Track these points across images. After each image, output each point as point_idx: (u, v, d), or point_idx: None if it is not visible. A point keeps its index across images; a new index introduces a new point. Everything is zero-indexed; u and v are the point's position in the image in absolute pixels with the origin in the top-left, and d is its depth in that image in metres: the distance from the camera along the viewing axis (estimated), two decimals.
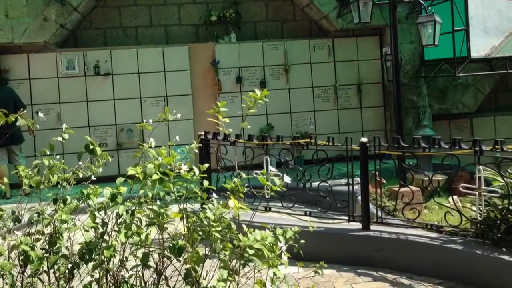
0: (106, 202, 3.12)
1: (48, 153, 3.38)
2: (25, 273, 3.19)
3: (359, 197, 6.12)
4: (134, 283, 3.20)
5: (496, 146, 5.05)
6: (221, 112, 3.67)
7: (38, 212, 3.24)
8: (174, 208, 3.19)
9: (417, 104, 11.25)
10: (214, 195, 3.23)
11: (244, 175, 3.39)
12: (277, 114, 11.58)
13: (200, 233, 3.05)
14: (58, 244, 3.17)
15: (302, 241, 3.35)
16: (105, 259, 3.05)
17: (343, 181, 7.03)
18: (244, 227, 3.07)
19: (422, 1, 9.10)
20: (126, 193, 3.18)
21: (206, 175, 3.31)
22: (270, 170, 3.38)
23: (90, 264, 3.07)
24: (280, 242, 3.04)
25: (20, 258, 3.17)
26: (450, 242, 5.24)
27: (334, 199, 6.03)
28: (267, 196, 4.85)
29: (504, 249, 4.89)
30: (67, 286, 3.20)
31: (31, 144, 10.26)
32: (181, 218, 3.15)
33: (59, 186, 3.35)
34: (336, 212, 6.19)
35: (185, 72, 11.38)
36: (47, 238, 3.23)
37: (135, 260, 3.13)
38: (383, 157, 6.12)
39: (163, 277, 3.22)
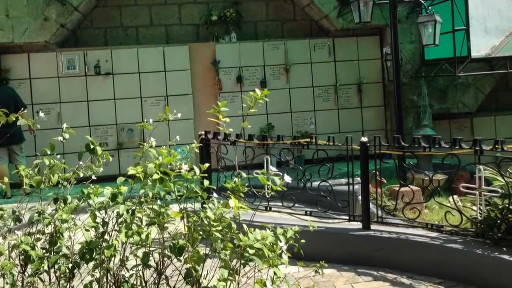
0: (106, 201, 3.12)
1: (48, 152, 3.38)
2: (25, 273, 3.20)
3: (360, 197, 6.12)
4: (135, 282, 3.21)
5: (497, 146, 5.05)
6: (221, 112, 3.67)
7: (38, 211, 3.24)
8: (174, 208, 3.19)
9: (418, 104, 11.25)
10: (215, 194, 3.23)
11: (244, 175, 3.40)
12: (277, 114, 11.58)
13: (201, 232, 3.05)
14: (58, 244, 3.17)
15: (303, 241, 3.35)
16: (105, 259, 3.05)
17: (344, 180, 7.03)
18: (245, 226, 3.07)
19: (422, 1, 9.11)
20: (126, 192, 3.19)
21: (206, 175, 3.32)
22: (271, 170, 3.38)
23: (91, 264, 3.08)
24: (281, 241, 3.04)
25: (21, 257, 3.18)
26: (450, 242, 5.24)
27: (335, 199, 6.03)
28: (267, 196, 4.84)
29: (504, 248, 4.89)
30: (68, 285, 3.20)
31: (31, 144, 10.26)
32: (182, 218, 3.15)
33: (60, 186, 3.35)
34: (336, 211, 6.19)
35: (186, 71, 11.38)
36: (47, 237, 3.23)
37: (136, 259, 3.14)
38: (383, 157, 6.12)
39: (163, 276, 3.22)
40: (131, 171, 3.09)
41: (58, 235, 3.17)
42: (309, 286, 4.77)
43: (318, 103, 11.87)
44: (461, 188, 5.54)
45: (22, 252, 3.12)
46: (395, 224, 5.93)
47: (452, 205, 5.72)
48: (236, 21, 11.91)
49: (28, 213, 3.33)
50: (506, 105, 12.89)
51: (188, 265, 3.05)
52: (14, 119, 3.44)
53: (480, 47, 10.56)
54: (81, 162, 3.39)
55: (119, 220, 3.11)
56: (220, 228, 3.00)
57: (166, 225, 3.15)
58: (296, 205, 6.31)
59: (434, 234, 5.48)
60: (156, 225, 3.10)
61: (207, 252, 3.14)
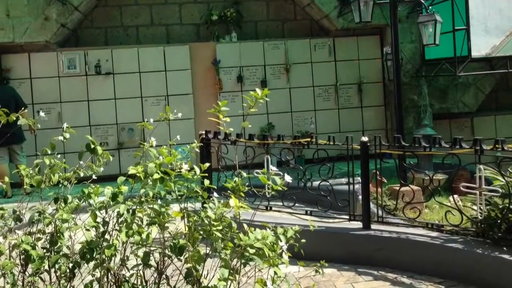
0: (107, 201, 3.13)
1: (49, 152, 3.39)
2: (26, 272, 3.20)
3: (360, 197, 6.12)
4: (135, 282, 3.21)
5: (497, 146, 5.05)
6: (222, 112, 3.67)
7: (39, 211, 3.24)
8: (175, 207, 3.20)
9: (418, 104, 11.25)
10: (215, 194, 3.24)
11: (245, 174, 3.41)
12: (278, 114, 11.58)
13: (201, 232, 3.06)
14: (59, 243, 3.18)
15: (303, 240, 3.35)
16: (106, 258, 3.06)
17: (344, 180, 7.02)
18: (245, 226, 3.07)
19: (422, 1, 9.11)
20: (127, 192, 3.19)
21: (207, 174, 3.32)
22: (271, 169, 3.38)
23: (91, 263, 3.08)
24: (281, 241, 3.04)
25: (21, 257, 3.18)
26: (450, 241, 5.24)
27: (335, 198, 6.03)
28: (268, 195, 4.83)
29: (504, 248, 4.89)
30: (68, 285, 3.20)
31: (32, 143, 10.26)
32: (182, 217, 3.16)
33: (60, 185, 3.36)
34: (336, 211, 6.19)
35: (186, 71, 11.38)
36: (48, 237, 3.23)
37: (136, 259, 3.14)
38: (383, 156, 6.11)
39: (164, 276, 3.23)
40: (131, 170, 3.09)
41: (58, 234, 3.17)
42: (309, 285, 4.77)
43: (319, 102, 11.87)
44: (462, 188, 5.54)
45: (23, 251, 3.12)
46: (396, 224, 5.93)
47: (453, 204, 5.72)
48: (237, 20, 11.91)
49: (28, 213, 3.33)
50: (506, 104, 12.89)
51: (189, 265, 3.05)
52: (14, 118, 3.44)
53: (480, 46, 10.57)
54: (81, 162, 3.39)
55: (120, 220, 3.11)
56: (220, 227, 3.00)
57: (166, 224, 3.15)
58: (297, 204, 6.31)
59: (434, 234, 5.48)
60: (156, 225, 3.11)
61: (208, 251, 3.14)
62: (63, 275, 3.17)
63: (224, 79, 11.45)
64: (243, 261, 2.97)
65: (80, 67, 10.98)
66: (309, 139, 6.26)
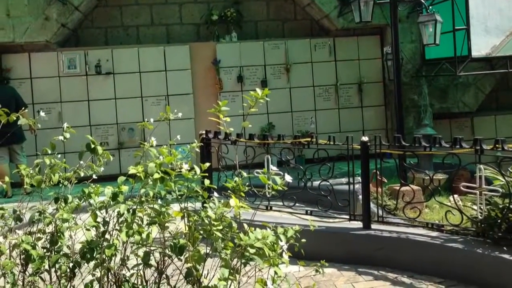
0: (107, 201, 3.13)
1: (49, 152, 3.39)
2: (26, 272, 3.20)
3: (360, 196, 6.12)
4: (136, 282, 3.21)
5: (497, 145, 5.05)
6: (222, 111, 3.68)
7: (39, 211, 3.25)
8: (175, 207, 3.20)
9: (418, 103, 11.25)
10: (215, 194, 3.24)
11: (245, 174, 3.41)
12: (278, 113, 11.58)
13: (201, 232, 3.06)
14: (59, 243, 3.18)
15: (303, 240, 3.35)
16: (106, 258, 3.06)
17: (344, 180, 7.02)
18: (245, 226, 3.08)
19: (423, 1, 9.11)
20: (127, 192, 3.19)
21: (207, 174, 3.32)
22: (271, 169, 3.39)
23: (92, 263, 3.08)
24: (281, 241, 3.04)
25: (22, 257, 3.18)
26: (451, 241, 5.24)
27: (335, 198, 6.03)
28: (268, 195, 4.84)
29: (505, 248, 4.89)
30: (69, 285, 3.21)
31: (32, 143, 10.26)
32: (182, 217, 3.16)
33: (61, 185, 3.36)
34: (337, 211, 6.19)
35: (186, 71, 11.39)
36: (48, 237, 3.23)
37: (136, 259, 3.14)
38: (384, 156, 6.11)
39: (164, 276, 3.23)
40: (132, 170, 3.09)
41: (59, 234, 3.18)
42: (309, 285, 4.77)
43: (319, 102, 11.87)
44: (462, 188, 5.54)
45: (23, 251, 3.12)
46: (396, 224, 5.93)
47: (453, 204, 5.72)
48: (237, 20, 11.91)
49: (29, 213, 3.34)
50: (506, 104, 12.89)
51: (189, 265, 3.05)
52: (15, 118, 3.44)
53: (480, 46, 10.57)
54: (81, 162, 3.40)
55: (120, 220, 3.11)
56: (220, 227, 3.00)
57: (167, 224, 3.15)
58: (297, 204, 6.31)
59: (434, 234, 5.48)
60: (157, 225, 3.11)
61: (208, 251, 3.14)
62: (63, 274, 3.17)
63: (224, 79, 11.46)
64: (243, 260, 2.97)
65: (80, 67, 10.99)
66: (309, 139, 6.26)
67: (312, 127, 11.73)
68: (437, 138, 5.44)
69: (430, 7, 9.11)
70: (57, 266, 3.14)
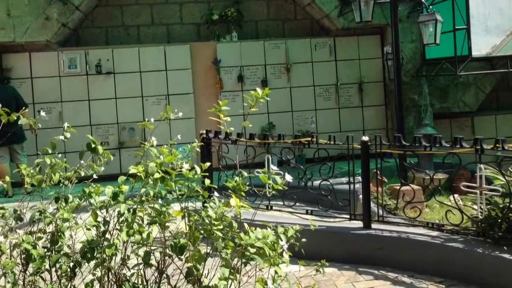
0: (107, 200, 3.13)
1: (50, 151, 3.39)
2: (27, 272, 3.20)
3: (360, 196, 6.12)
4: (136, 281, 3.21)
5: (497, 145, 5.05)
6: (222, 111, 3.68)
7: (40, 210, 3.24)
8: (175, 207, 3.20)
9: (418, 103, 11.25)
10: (216, 193, 3.25)
11: (245, 174, 3.40)
12: (278, 113, 11.59)
13: (202, 231, 3.06)
14: (60, 243, 3.18)
15: (304, 240, 3.35)
16: (106, 258, 3.06)
17: (344, 179, 7.03)
18: (246, 225, 3.08)
19: (423, 0, 9.11)
20: (127, 191, 3.19)
21: (207, 174, 3.32)
22: (272, 169, 3.38)
23: (92, 263, 3.08)
24: (282, 240, 3.04)
25: (22, 256, 3.18)
26: (451, 241, 5.24)
27: (336, 198, 6.03)
28: (268, 195, 4.85)
29: (505, 247, 4.89)
30: (69, 284, 3.21)
31: (33, 143, 10.26)
32: (183, 217, 3.16)
33: (61, 185, 3.36)
34: (337, 210, 6.19)
35: (187, 71, 11.39)
36: (49, 236, 3.23)
37: (137, 258, 3.14)
38: (384, 156, 6.11)
39: (164, 275, 3.23)
40: (132, 170, 3.09)
41: (59, 234, 3.18)
42: (310, 285, 4.77)
43: (319, 102, 11.88)
44: (462, 187, 5.54)
45: (24, 251, 3.12)
46: (396, 223, 5.94)
47: (453, 204, 5.72)
48: (237, 20, 11.91)
49: (29, 212, 3.33)
50: (506, 104, 12.89)
51: (189, 264, 3.05)
52: (15, 118, 3.44)
53: (481, 46, 10.58)
54: (82, 161, 3.40)
55: (120, 219, 3.11)
56: (221, 227, 3.00)
57: (167, 224, 3.15)
58: (297, 204, 6.32)
59: (434, 233, 5.49)
60: (157, 224, 3.11)
61: (208, 251, 3.14)
62: (64, 274, 3.17)
63: (224, 79, 11.46)
64: (243, 260, 2.97)
65: (81, 67, 10.99)
66: (309, 139, 6.26)
67: (313, 127, 11.74)
68: (438, 138, 5.44)
69: (431, 6, 9.12)
70: (57, 265, 3.14)
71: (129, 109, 11.12)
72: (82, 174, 3.44)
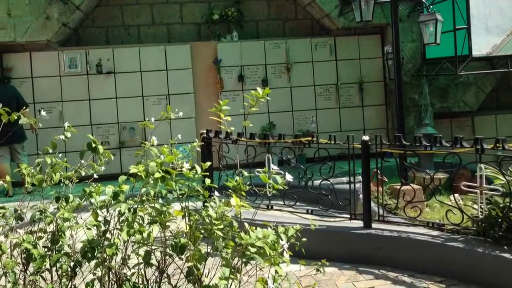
0: (108, 200, 3.13)
1: (50, 151, 3.39)
2: (27, 271, 3.20)
3: (361, 195, 6.12)
4: (136, 281, 3.21)
5: (498, 145, 5.05)
6: (223, 111, 3.68)
7: (40, 210, 3.24)
8: (176, 206, 3.20)
9: (419, 103, 11.26)
10: (216, 193, 3.24)
11: (246, 173, 3.40)
12: (279, 113, 11.59)
13: (202, 231, 3.06)
14: (60, 242, 3.18)
15: (304, 239, 3.35)
16: (107, 257, 3.06)
17: (345, 179, 7.03)
18: (246, 225, 3.07)
19: (423, 0, 9.10)
20: (128, 191, 3.19)
21: (208, 173, 3.32)
22: (272, 169, 3.38)
23: (93, 262, 3.08)
24: (282, 240, 3.04)
25: (23, 256, 3.18)
26: (451, 240, 5.25)
27: (336, 197, 6.04)
28: (269, 195, 4.84)
29: (505, 247, 4.89)
30: (70, 284, 3.21)
31: (33, 143, 10.27)
32: (183, 216, 3.16)
33: (62, 184, 3.36)
34: (337, 210, 6.19)
35: (187, 70, 11.39)
36: (49, 236, 3.23)
37: (137, 258, 3.14)
38: (384, 156, 6.11)
39: (165, 275, 3.23)
40: (132, 169, 3.09)
41: (60, 233, 3.18)
42: (310, 284, 4.77)
43: (320, 101, 11.88)
44: (462, 187, 5.54)
45: (24, 250, 3.12)
46: (396, 223, 5.94)
47: (453, 203, 5.72)
48: (238, 20, 11.92)
49: (30, 212, 3.33)
50: (507, 104, 12.89)
51: (190, 264, 3.05)
52: (16, 117, 3.44)
53: (481, 46, 10.58)
54: (82, 161, 3.40)
55: (121, 219, 3.11)
56: (221, 226, 3.00)
57: (167, 223, 3.15)
58: (298, 203, 6.32)
59: (435, 233, 5.49)
60: (157, 224, 3.11)
61: (209, 250, 3.14)
62: (64, 274, 3.17)
63: (225, 78, 11.46)
64: (244, 260, 2.97)
65: (81, 66, 11.00)
66: (310, 138, 6.26)
67: (313, 126, 11.74)
68: (438, 138, 5.45)
69: (431, 6, 9.11)
70: (58, 265, 3.14)
71: (130, 108, 11.13)
72: (83, 173, 3.44)
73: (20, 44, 10.63)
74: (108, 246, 2.99)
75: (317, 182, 6.28)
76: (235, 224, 3.08)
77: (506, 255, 4.76)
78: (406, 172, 7.07)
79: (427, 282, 5.07)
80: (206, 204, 3.13)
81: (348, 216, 6.11)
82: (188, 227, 3.13)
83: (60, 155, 3.45)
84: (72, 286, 3.22)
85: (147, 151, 3.33)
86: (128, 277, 3.22)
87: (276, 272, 2.99)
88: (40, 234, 3.28)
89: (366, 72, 11.98)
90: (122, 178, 3.20)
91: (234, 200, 3.02)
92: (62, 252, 3.18)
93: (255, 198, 5.53)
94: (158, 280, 3.23)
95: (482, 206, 5.23)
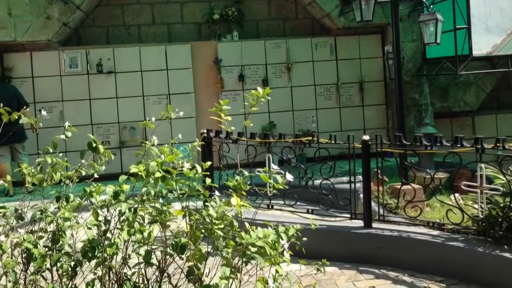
0: (108, 200, 3.13)
1: (51, 151, 3.39)
2: (28, 271, 3.20)
3: (361, 195, 6.13)
4: (137, 280, 3.22)
5: (498, 144, 5.05)
6: (223, 110, 3.68)
7: (41, 210, 3.24)
8: (176, 206, 3.20)
9: (419, 102, 11.26)
10: (217, 193, 3.24)
11: (246, 173, 3.40)
12: (279, 112, 11.58)
13: (203, 230, 3.06)
14: (61, 242, 3.18)
15: (304, 239, 3.36)
16: (107, 257, 3.06)
17: (345, 179, 7.03)
18: (247, 224, 3.08)
19: (424, 0, 9.11)
20: (128, 191, 3.19)
21: (208, 173, 3.32)
22: (273, 168, 3.38)
23: (93, 262, 3.08)
24: (282, 239, 3.04)
25: (23, 255, 3.18)
26: (452, 240, 5.25)
27: (336, 197, 6.04)
28: (269, 194, 4.85)
29: (505, 246, 4.89)
30: (70, 283, 3.21)
31: (34, 142, 10.27)
32: (184, 216, 3.16)
33: (62, 184, 3.36)
34: (338, 210, 6.19)
35: (188, 70, 11.39)
36: (50, 235, 3.23)
37: (138, 257, 3.14)
38: (385, 155, 6.12)
39: (165, 274, 3.23)
40: (133, 169, 3.10)
41: (60, 233, 3.18)
42: (311, 284, 4.76)
43: (320, 101, 11.88)
44: (463, 187, 5.54)
45: (25, 250, 3.12)
46: (397, 222, 5.94)
47: (454, 203, 5.72)
48: (238, 19, 11.91)
49: (30, 211, 3.33)
50: (507, 103, 12.89)
51: (190, 263, 3.05)
52: (16, 117, 3.44)
53: (481, 45, 10.57)
54: (83, 161, 3.40)
55: (121, 218, 3.11)
56: (222, 226, 3.01)
57: (168, 223, 3.16)
58: (298, 203, 6.32)
59: (435, 232, 5.49)
60: (158, 223, 3.11)
61: (209, 250, 3.15)
62: (65, 273, 3.17)
63: (225, 78, 11.46)
64: (244, 259, 2.97)
65: (82, 66, 11.00)
66: (310, 138, 6.26)
67: (313, 126, 11.73)
68: (438, 137, 5.45)
69: (431, 6, 9.11)
70: (58, 264, 3.14)
71: (130, 108, 11.13)
72: (83, 173, 3.44)
73: (21, 43, 10.64)
74: (108, 245, 3.00)
75: (317, 182, 6.28)
76: (236, 223, 3.08)
77: (507, 254, 4.76)
78: (406, 172, 7.07)
79: (427, 281, 5.07)
80: (206, 203, 3.13)
81: (349, 215, 6.12)
82: (188, 227, 3.13)
83: (61, 154, 3.45)
84: (73, 286, 3.22)
85: (147, 150, 3.33)
86: (129, 277, 3.22)
87: (277, 271, 2.99)
88: (40, 233, 3.28)
89: (367, 72, 11.97)
90: (122, 177, 3.20)
91: (234, 200, 3.03)
92: (63, 251, 3.19)
93: (255, 197, 5.53)
94: (158, 279, 3.23)
95: (483, 206, 5.23)
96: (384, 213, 6.04)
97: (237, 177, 3.22)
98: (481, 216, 5.21)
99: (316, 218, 5.70)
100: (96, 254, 3.02)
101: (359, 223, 5.96)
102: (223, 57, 11.44)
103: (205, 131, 6.62)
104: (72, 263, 3.17)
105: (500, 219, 5.02)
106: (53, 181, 3.31)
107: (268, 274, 3.02)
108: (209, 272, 3.16)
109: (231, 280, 2.91)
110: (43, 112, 3.84)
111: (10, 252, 3.20)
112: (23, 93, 9.98)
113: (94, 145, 3.32)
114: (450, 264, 5.11)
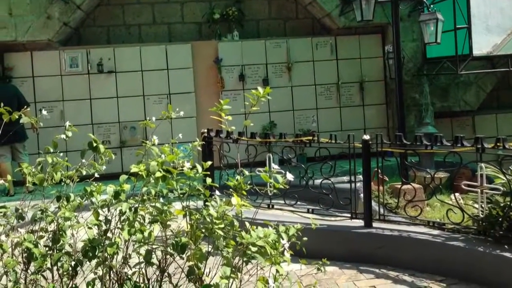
0: (109, 199, 3.13)
1: (51, 150, 3.39)
2: (28, 270, 3.20)
3: (362, 195, 6.13)
4: (137, 280, 3.22)
5: (498, 144, 5.05)
6: (223, 110, 3.68)
7: (41, 209, 3.24)
8: (177, 206, 3.20)
9: (419, 102, 11.26)
10: (217, 192, 3.24)
11: (247, 173, 3.40)
12: (279, 112, 11.59)
13: (203, 230, 3.06)
14: (61, 242, 3.18)
15: (305, 238, 3.36)
16: (108, 256, 3.06)
17: (346, 178, 7.04)
18: (247, 224, 3.08)
19: None
20: (129, 190, 3.19)
21: (209, 173, 3.32)
22: (273, 168, 3.39)
23: (94, 261, 3.08)
24: (283, 239, 3.04)
25: (24, 255, 3.18)
26: (452, 239, 5.25)
27: (337, 197, 6.04)
28: (269, 194, 4.86)
29: (506, 246, 4.89)
30: (71, 283, 3.21)
31: (34, 142, 10.27)
32: (184, 216, 3.16)
33: (63, 184, 3.35)
34: (338, 209, 6.20)
35: (188, 70, 11.40)
36: (50, 235, 3.23)
37: (138, 257, 3.14)
38: (385, 155, 6.12)
39: (166, 274, 3.23)
40: (133, 169, 3.10)
41: (61, 233, 3.18)
42: (311, 283, 4.76)
43: (320, 101, 11.88)
44: (463, 186, 5.54)
45: (25, 249, 3.12)
46: (397, 222, 5.94)
47: (454, 203, 5.72)
48: (239, 19, 11.92)
49: (31, 211, 3.33)
50: (507, 103, 12.89)
51: (191, 263, 3.05)
52: (17, 117, 3.44)
53: (481, 45, 10.57)
54: (83, 160, 3.40)
55: (122, 218, 3.11)
56: (222, 226, 3.00)
57: (168, 222, 3.15)
58: (298, 203, 6.32)
59: (435, 232, 5.49)
60: (158, 223, 3.11)
61: (210, 249, 3.15)
62: (65, 273, 3.17)
63: (226, 78, 11.46)
64: (245, 259, 2.97)
65: (82, 66, 11.00)
66: (311, 138, 6.27)
67: (314, 126, 11.74)
68: (439, 137, 5.45)
69: (432, 5, 9.11)
70: (59, 264, 3.14)
71: (131, 108, 11.13)
72: (84, 173, 3.44)
73: (21, 43, 10.64)
74: (109, 245, 3.00)
75: (318, 181, 6.28)
76: (236, 223, 3.08)
77: (507, 254, 4.77)
78: (406, 171, 7.07)
79: (427, 281, 5.07)
80: (207, 203, 3.13)
81: (349, 215, 6.12)
82: (189, 226, 3.13)
83: (61, 154, 3.45)
84: (73, 285, 3.22)
85: (148, 150, 3.33)
86: (129, 276, 3.22)
87: (277, 271, 2.99)
88: (41, 233, 3.28)
89: (367, 72, 11.98)
90: (123, 177, 3.20)
91: (235, 199, 3.03)
92: (63, 251, 3.19)
93: (256, 197, 5.52)
94: (159, 279, 3.23)
95: (483, 205, 5.23)
96: (385, 213, 6.04)
97: (238, 177, 3.22)
98: (481, 215, 5.21)
99: (316, 217, 5.70)
100: (96, 253, 3.02)
101: (359, 222, 5.96)
102: (223, 57, 11.44)
103: (206, 130, 6.63)
104: (73, 263, 3.17)
105: (500, 219, 5.02)
106: (53, 181, 3.31)
107: (269, 274, 3.02)
108: (209, 272, 3.16)
109: (231, 280, 2.91)
110: (44, 112, 3.84)
111: (10, 252, 3.20)
112: (23, 93, 9.99)
113: (94, 144, 3.32)
114: (451, 263, 5.11)
